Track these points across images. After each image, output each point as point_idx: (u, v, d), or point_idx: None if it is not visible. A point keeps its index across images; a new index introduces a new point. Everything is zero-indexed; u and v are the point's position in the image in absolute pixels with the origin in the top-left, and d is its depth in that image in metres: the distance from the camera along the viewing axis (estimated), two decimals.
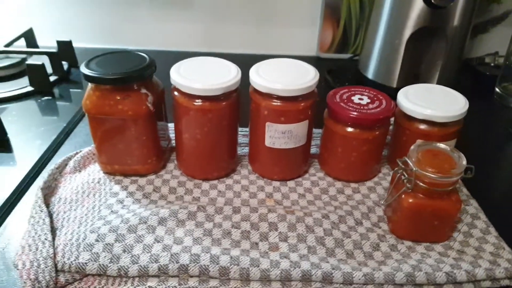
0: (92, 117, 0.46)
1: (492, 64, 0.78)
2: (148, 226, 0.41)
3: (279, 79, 0.45)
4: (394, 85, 0.67)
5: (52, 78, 0.70)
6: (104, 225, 0.41)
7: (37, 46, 0.79)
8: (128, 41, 0.81)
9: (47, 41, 0.78)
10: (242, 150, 0.55)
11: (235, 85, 0.44)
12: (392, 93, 0.50)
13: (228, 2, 0.78)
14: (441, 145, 0.42)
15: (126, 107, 0.44)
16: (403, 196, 0.41)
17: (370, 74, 0.70)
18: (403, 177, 0.41)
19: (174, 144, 0.53)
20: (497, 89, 0.72)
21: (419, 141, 0.45)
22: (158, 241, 0.40)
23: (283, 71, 0.46)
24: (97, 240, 0.40)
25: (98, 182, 0.49)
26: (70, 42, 0.75)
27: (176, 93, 0.45)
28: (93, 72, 0.43)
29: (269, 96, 0.45)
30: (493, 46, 0.79)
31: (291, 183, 0.50)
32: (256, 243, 0.41)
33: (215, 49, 0.81)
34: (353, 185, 0.50)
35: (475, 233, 0.44)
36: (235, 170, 0.52)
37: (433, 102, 0.48)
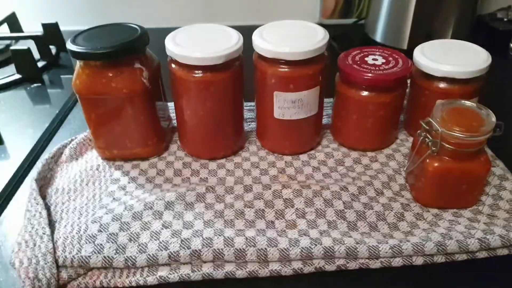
0: (84, 99, 0.42)
1: (505, 19, 0.73)
2: (154, 212, 0.38)
3: (285, 42, 0.40)
4: (405, 47, 0.63)
5: (40, 64, 0.66)
6: (107, 213, 0.38)
7: (21, 31, 0.74)
8: (119, 19, 0.76)
9: (32, 26, 0.73)
10: (249, 126, 0.51)
11: (237, 52, 0.40)
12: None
13: None
14: (467, 102, 0.38)
15: (119, 84, 0.41)
16: (427, 160, 0.38)
17: (378, 37, 0.66)
18: (427, 139, 0.38)
19: (175, 125, 0.49)
20: (511, 45, 0.67)
21: (441, 100, 0.41)
22: (166, 227, 0.37)
23: (289, 34, 0.42)
24: (100, 231, 0.36)
25: (97, 169, 0.45)
26: (56, 24, 0.70)
27: (173, 65, 0.41)
28: (81, 47, 0.39)
29: (275, 62, 0.41)
30: (505, 0, 0.74)
31: (303, 157, 0.47)
32: (272, 222, 0.38)
33: (212, 22, 0.77)
34: (370, 154, 0.47)
35: (505, 195, 0.41)
36: (243, 147, 0.48)
37: (452, 57, 0.44)
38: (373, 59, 0.44)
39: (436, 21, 0.61)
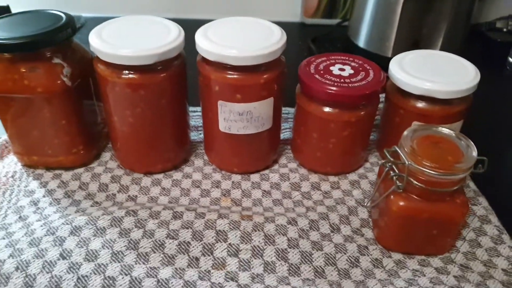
0: None
1: (504, 30, 0.66)
2: (56, 238, 0.32)
3: (233, 43, 0.34)
4: (390, 55, 0.56)
5: None
6: (3, 238, 0.32)
7: None
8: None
9: None
10: (200, 136, 0.44)
11: (176, 49, 0.34)
12: (386, 64, 0.39)
13: None
14: (444, 130, 0.32)
15: (33, 82, 0.34)
16: (391, 197, 0.32)
17: (361, 42, 0.59)
18: (392, 173, 0.31)
19: None
20: (510, 59, 0.61)
21: (415, 124, 0.34)
22: (64, 257, 0.30)
23: (240, 33, 0.36)
24: None
25: (13, 176, 0.39)
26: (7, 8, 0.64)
27: (98, 64, 0.35)
28: None
29: (220, 67, 0.34)
30: (505, 9, 0.67)
31: (255, 177, 0.40)
32: (197, 259, 0.31)
33: (181, 15, 0.70)
34: (332, 178, 0.40)
35: (484, 242, 0.34)
36: (187, 161, 0.42)
37: (435, 72, 0.37)
38: (340, 69, 0.37)
39: (425, 28, 0.54)
